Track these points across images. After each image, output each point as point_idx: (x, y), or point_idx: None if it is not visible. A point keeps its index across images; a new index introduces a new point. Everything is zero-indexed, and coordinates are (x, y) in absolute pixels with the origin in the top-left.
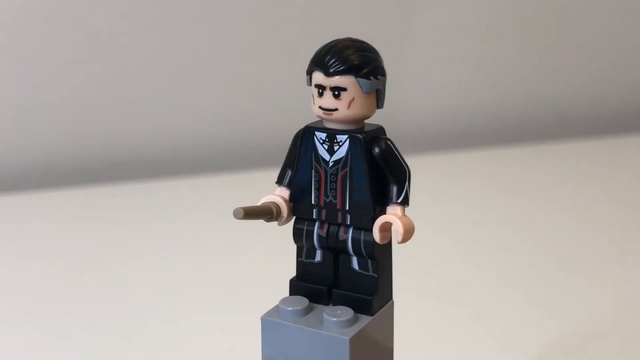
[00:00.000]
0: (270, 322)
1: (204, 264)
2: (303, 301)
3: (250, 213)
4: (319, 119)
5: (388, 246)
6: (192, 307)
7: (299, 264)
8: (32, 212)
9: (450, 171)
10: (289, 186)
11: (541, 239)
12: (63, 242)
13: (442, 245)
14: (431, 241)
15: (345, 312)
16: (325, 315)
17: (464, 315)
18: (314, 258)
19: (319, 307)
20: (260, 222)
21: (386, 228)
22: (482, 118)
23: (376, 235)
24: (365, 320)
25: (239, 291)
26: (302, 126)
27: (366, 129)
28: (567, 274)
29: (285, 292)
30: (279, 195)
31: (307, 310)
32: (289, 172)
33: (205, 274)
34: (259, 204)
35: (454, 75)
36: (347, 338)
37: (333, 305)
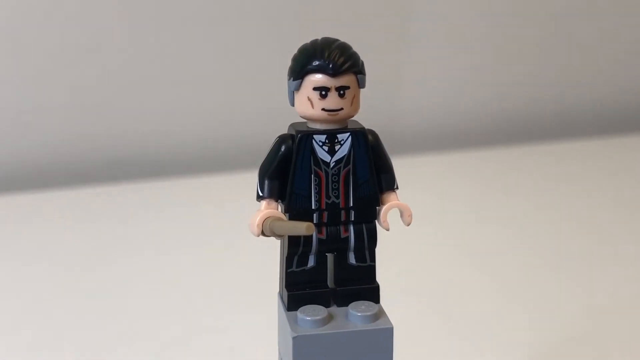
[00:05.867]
0: (306, 338)
1: (204, 263)
2: (319, 308)
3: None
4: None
5: None
6: (192, 306)
7: (290, 275)
8: (32, 212)
9: (450, 171)
10: (279, 198)
11: (541, 239)
12: (63, 242)
13: (441, 245)
14: (430, 241)
15: (368, 305)
16: (356, 313)
17: (462, 315)
18: (307, 264)
19: (333, 310)
20: None
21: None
22: (482, 118)
23: (386, 223)
24: (381, 308)
25: (239, 291)
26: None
27: (352, 125)
28: (567, 274)
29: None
30: (272, 209)
31: (330, 315)
32: (276, 183)
33: (205, 273)
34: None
35: (454, 75)
36: (392, 326)
37: (337, 305)
